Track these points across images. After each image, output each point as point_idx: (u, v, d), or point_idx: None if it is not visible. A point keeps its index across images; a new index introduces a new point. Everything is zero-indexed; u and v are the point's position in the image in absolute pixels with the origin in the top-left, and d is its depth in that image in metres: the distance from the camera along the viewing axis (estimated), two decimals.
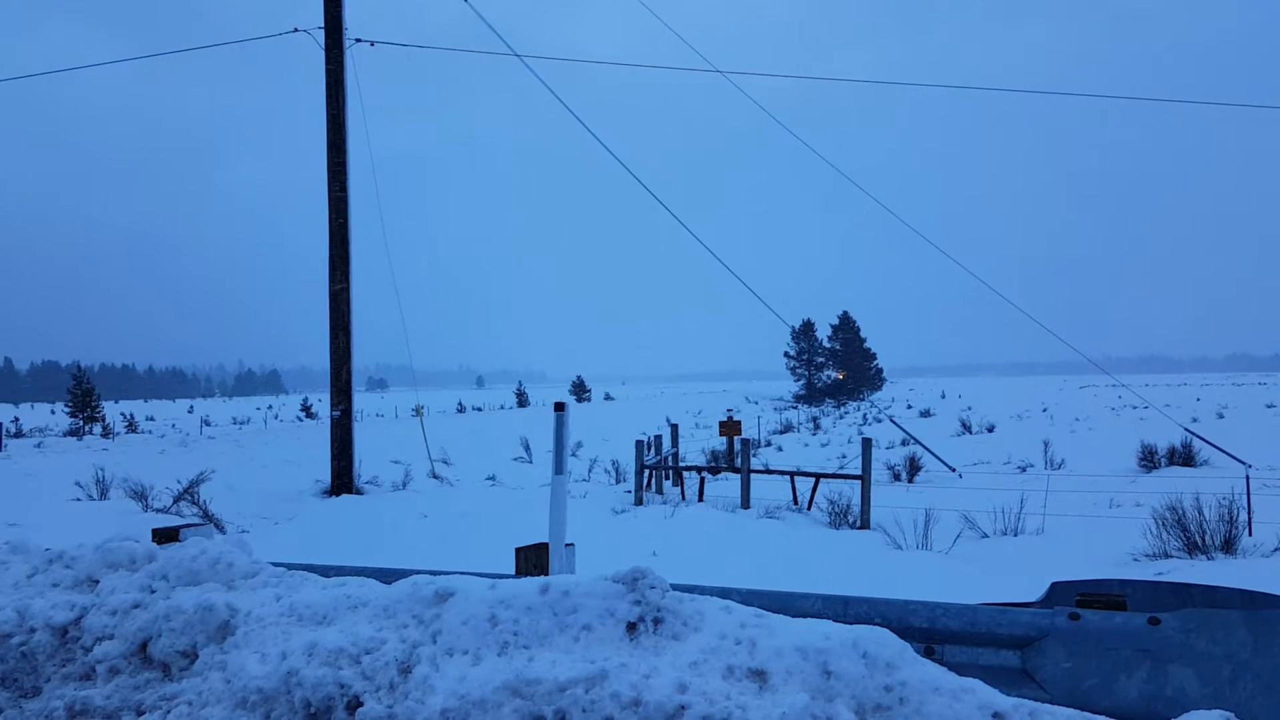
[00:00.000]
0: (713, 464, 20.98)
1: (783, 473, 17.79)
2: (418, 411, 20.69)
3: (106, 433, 41.46)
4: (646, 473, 17.71)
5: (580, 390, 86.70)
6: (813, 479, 16.42)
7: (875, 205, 16.56)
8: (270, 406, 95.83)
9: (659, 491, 18.26)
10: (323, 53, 14.79)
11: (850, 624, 3.12)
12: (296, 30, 15.02)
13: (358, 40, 15.18)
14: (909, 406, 59.04)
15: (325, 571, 4.15)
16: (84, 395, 52.06)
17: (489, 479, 20.02)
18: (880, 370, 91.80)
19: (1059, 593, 3.78)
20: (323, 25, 14.81)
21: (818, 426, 44.57)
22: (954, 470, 20.20)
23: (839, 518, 14.06)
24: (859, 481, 14.62)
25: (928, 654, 3.50)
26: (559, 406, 5.21)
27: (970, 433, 33.69)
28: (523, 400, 74.37)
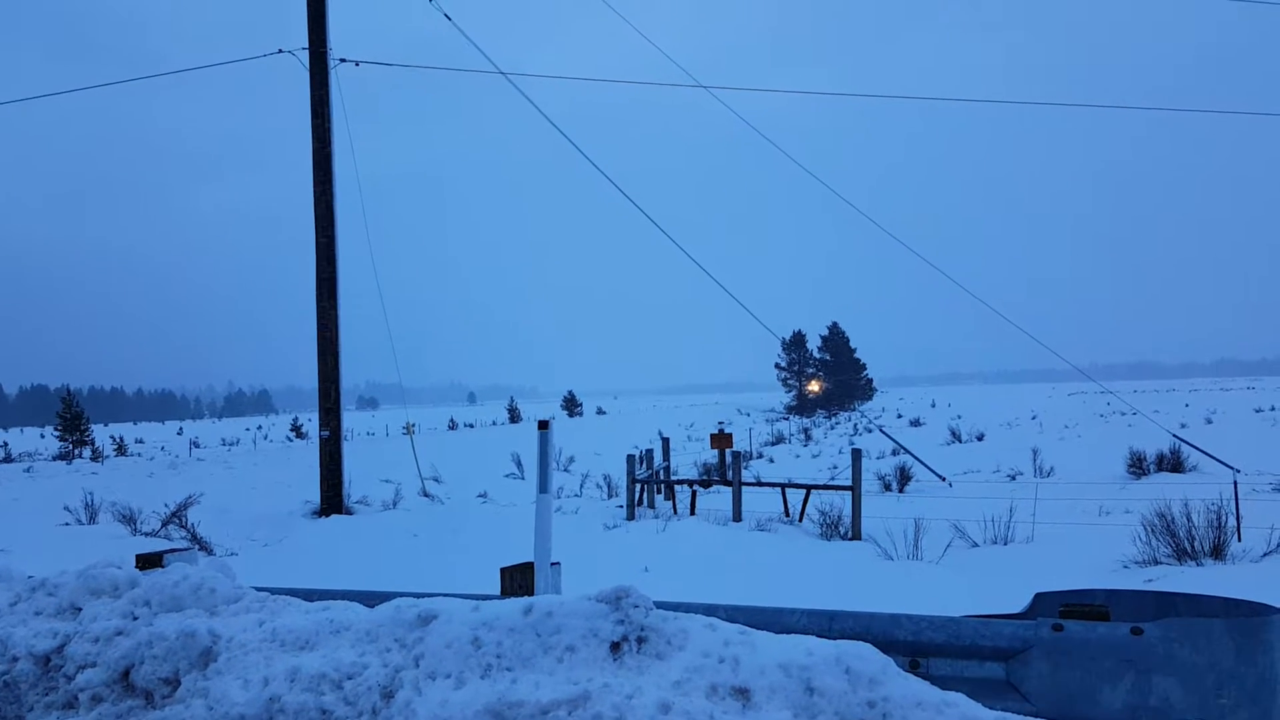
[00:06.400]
0: (704, 477, 20.95)
1: (774, 485, 17.78)
2: (408, 429, 20.64)
3: (96, 456, 41.22)
4: (638, 487, 17.68)
5: (572, 405, 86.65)
6: (804, 491, 16.42)
7: (863, 216, 16.64)
8: (260, 427, 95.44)
9: (651, 506, 18.23)
10: (307, 74, 14.81)
11: (835, 639, 3.12)
12: (281, 51, 15.04)
13: (342, 60, 15.21)
14: (899, 416, 59.13)
15: (309, 595, 4.13)
16: (73, 419, 51.78)
17: (480, 496, 19.96)
18: (870, 380, 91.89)
19: (1043, 603, 3.79)
20: (307, 46, 14.83)
21: (809, 437, 44.58)
22: (944, 479, 20.19)
23: (830, 529, 14.05)
24: (850, 492, 14.62)
25: (913, 667, 3.50)
26: (542, 425, 5.21)
27: (960, 441, 33.72)
28: (515, 416, 74.30)
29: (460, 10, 15.92)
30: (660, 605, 3.37)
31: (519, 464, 26.86)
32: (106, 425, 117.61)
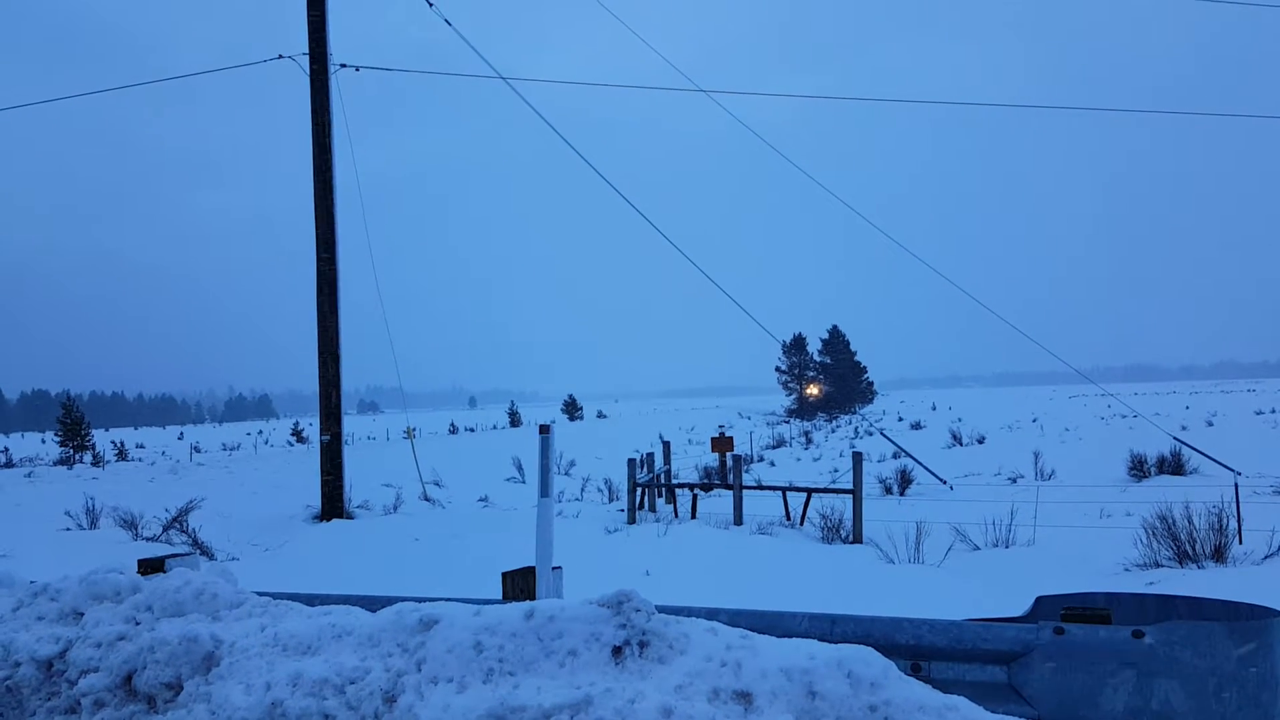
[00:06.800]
0: (705, 480, 20.97)
1: (775, 488, 17.79)
2: (409, 434, 20.64)
3: (97, 461, 41.19)
4: (639, 491, 17.69)
5: (572, 408, 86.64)
6: (805, 494, 16.43)
7: (864, 220, 16.65)
8: (261, 431, 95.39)
9: (652, 509, 18.23)
10: (307, 79, 14.82)
11: (836, 643, 3.12)
12: (281, 57, 15.06)
13: (342, 66, 15.23)
14: (900, 419, 59.05)
15: (310, 600, 4.14)
16: (74, 424, 51.77)
17: (481, 500, 19.97)
18: (871, 383, 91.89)
19: (1044, 607, 3.79)
20: (307, 52, 14.85)
21: (810, 441, 44.55)
22: (945, 483, 20.19)
23: (831, 533, 14.05)
24: (851, 496, 14.62)
25: (914, 671, 3.50)
26: (543, 429, 5.22)
27: (961, 444, 33.70)
28: (515, 420, 74.26)
29: (460, 15, 15.95)
30: (662, 609, 3.37)
31: (520, 468, 26.86)
32: (107, 430, 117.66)
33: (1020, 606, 4.03)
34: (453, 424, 73.65)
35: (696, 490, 18.62)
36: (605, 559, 10.78)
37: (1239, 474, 15.94)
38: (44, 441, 73.44)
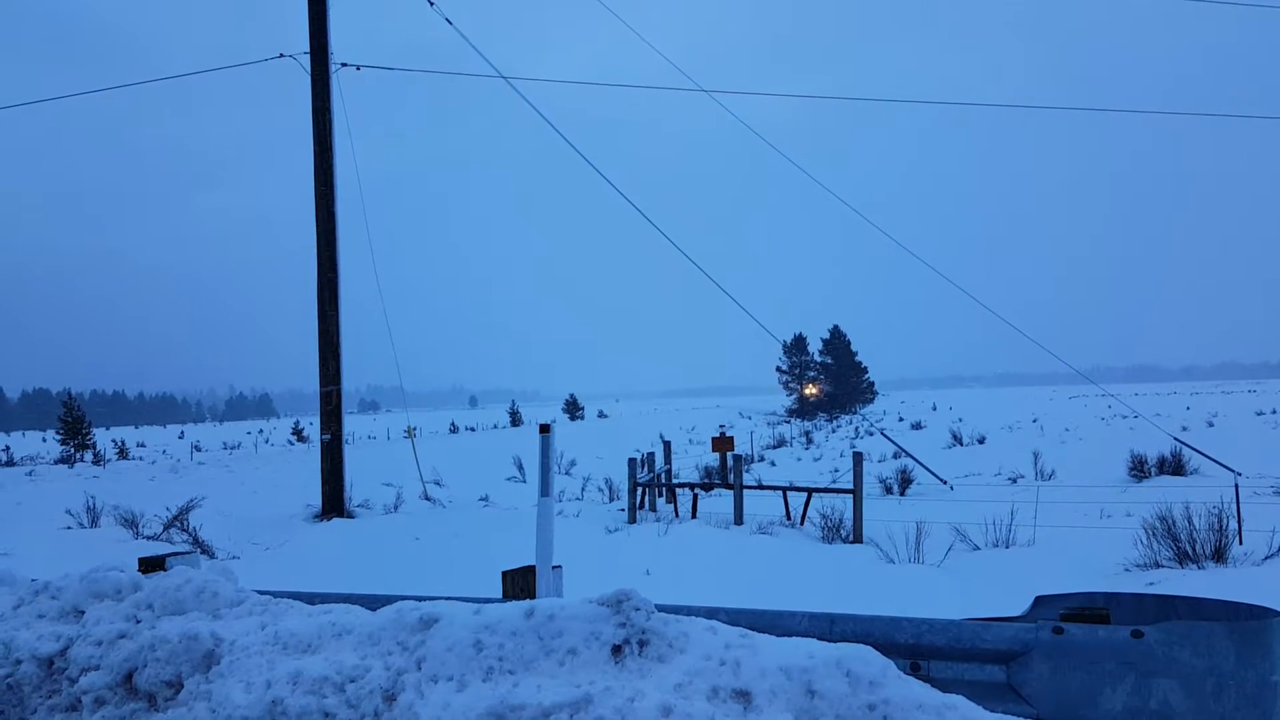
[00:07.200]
0: (706, 480, 20.98)
1: (775, 488, 17.79)
2: (409, 433, 20.64)
3: (98, 460, 41.23)
4: (640, 490, 17.69)
5: (573, 408, 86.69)
6: (805, 494, 16.43)
7: (865, 220, 16.66)
8: (261, 430, 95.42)
9: (652, 509, 18.23)
10: (308, 78, 14.82)
11: (836, 642, 3.13)
12: (282, 56, 15.07)
13: (343, 65, 15.23)
14: (900, 419, 58.98)
15: (310, 599, 4.14)
16: (75, 422, 51.84)
17: (482, 499, 19.96)
18: (871, 383, 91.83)
19: (1043, 606, 3.79)
20: (308, 51, 14.85)
21: (810, 441, 44.53)
22: (945, 483, 20.18)
23: (831, 532, 14.05)
24: (851, 496, 14.62)
25: (913, 670, 3.51)
26: (544, 429, 5.22)
27: (961, 444, 33.68)
28: (516, 419, 74.30)
29: (461, 14, 15.96)
30: (662, 608, 3.38)
31: (520, 467, 26.85)
32: (108, 429, 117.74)
33: (1020, 606, 4.03)
34: (453, 423, 73.71)
35: (697, 490, 18.61)
36: (605, 558, 10.78)
37: (1239, 474, 15.92)
38: (45, 440, 73.47)
